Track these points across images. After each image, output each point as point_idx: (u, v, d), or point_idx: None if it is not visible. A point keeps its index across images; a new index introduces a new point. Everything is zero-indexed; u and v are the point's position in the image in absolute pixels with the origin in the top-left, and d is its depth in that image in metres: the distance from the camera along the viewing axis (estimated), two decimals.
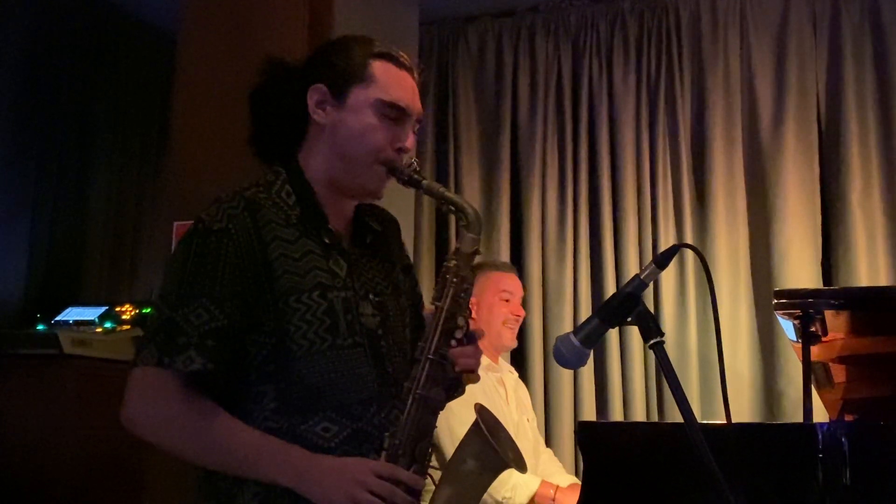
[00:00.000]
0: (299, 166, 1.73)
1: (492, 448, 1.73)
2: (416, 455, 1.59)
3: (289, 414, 1.59)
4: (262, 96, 1.76)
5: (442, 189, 1.71)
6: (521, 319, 3.37)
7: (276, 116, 1.74)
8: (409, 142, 1.72)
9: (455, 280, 1.65)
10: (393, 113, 1.69)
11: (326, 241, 1.68)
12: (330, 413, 1.60)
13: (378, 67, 1.70)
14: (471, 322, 1.71)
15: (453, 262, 1.67)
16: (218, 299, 1.56)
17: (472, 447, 1.77)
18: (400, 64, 1.73)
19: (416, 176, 1.69)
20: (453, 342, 1.65)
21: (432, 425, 1.62)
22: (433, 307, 1.66)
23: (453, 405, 1.81)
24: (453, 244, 4.51)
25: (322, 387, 1.60)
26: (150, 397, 1.57)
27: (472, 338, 1.70)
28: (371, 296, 1.71)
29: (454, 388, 1.71)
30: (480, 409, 1.78)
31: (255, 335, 1.60)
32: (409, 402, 1.60)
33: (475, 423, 1.76)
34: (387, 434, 1.59)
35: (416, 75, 1.75)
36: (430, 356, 1.61)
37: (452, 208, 1.69)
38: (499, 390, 3.21)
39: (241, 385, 1.61)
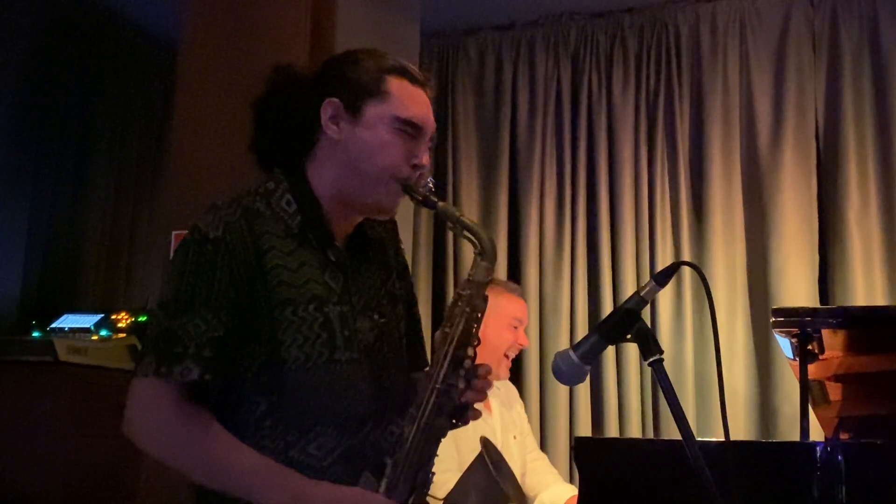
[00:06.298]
0: (306, 177, 1.70)
1: (494, 482, 1.73)
2: (417, 483, 1.58)
3: (283, 427, 1.58)
4: (268, 105, 1.73)
5: (458, 213, 1.66)
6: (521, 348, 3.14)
7: (283, 126, 1.71)
8: (425, 158, 1.69)
9: (467, 310, 1.63)
10: (409, 129, 1.67)
11: (332, 258, 1.67)
12: (325, 428, 1.59)
13: (393, 83, 1.68)
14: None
15: (466, 290, 1.64)
16: (215, 308, 1.55)
17: (475, 480, 1.77)
18: (414, 79, 1.71)
19: (431, 197, 1.66)
20: (461, 371, 1.62)
21: (434, 453, 1.61)
22: (442, 333, 1.63)
23: None
24: (451, 251, 4.58)
25: (318, 401, 1.59)
26: (150, 409, 1.56)
27: (478, 371, 1.66)
28: (369, 311, 1.70)
29: (459, 417, 1.67)
30: (485, 443, 1.77)
31: (250, 345, 1.59)
32: (414, 429, 1.58)
33: (479, 457, 1.75)
34: (388, 461, 1.57)
35: (429, 90, 1.73)
36: (437, 385, 1.59)
37: (467, 234, 1.64)
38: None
39: (235, 395, 1.60)
